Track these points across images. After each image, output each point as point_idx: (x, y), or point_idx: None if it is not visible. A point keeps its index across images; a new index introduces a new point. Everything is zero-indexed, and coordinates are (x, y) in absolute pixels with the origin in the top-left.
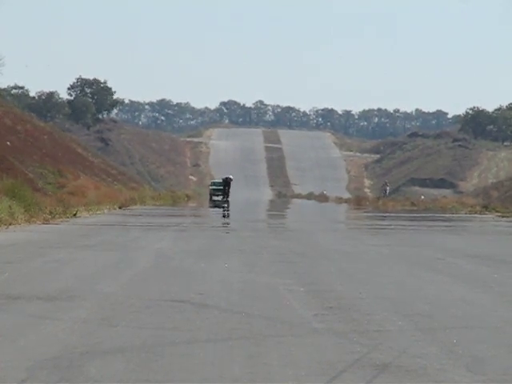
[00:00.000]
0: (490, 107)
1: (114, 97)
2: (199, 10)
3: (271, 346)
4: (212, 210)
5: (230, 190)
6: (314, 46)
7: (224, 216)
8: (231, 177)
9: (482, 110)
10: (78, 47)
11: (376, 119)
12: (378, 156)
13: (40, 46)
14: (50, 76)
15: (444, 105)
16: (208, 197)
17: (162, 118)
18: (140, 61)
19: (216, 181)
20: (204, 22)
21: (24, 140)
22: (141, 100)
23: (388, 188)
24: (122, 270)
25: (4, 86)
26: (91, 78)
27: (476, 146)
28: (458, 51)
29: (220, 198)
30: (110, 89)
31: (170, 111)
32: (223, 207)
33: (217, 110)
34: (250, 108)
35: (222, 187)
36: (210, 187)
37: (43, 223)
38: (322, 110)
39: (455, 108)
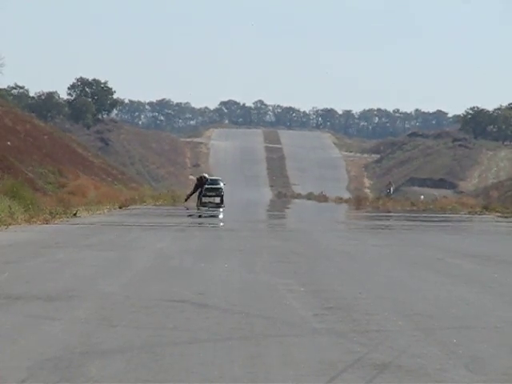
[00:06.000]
0: (490, 107)
1: (114, 97)
2: (199, 10)
3: (271, 346)
4: (210, 210)
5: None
6: (313, 46)
7: (223, 216)
8: (206, 175)
9: (482, 110)
10: (78, 47)
11: (376, 119)
12: (378, 156)
13: (40, 46)
14: (50, 76)
15: (444, 105)
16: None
17: (162, 118)
18: (140, 61)
19: (210, 178)
20: (204, 22)
21: (24, 140)
22: (141, 100)
23: (392, 188)
24: (122, 269)
25: (4, 86)
26: (91, 78)
27: (476, 145)
28: (458, 51)
29: (211, 199)
30: (110, 89)
31: (169, 111)
32: (220, 207)
33: (217, 110)
34: (250, 108)
35: (197, 187)
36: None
37: (43, 223)
38: (322, 110)
39: (455, 108)
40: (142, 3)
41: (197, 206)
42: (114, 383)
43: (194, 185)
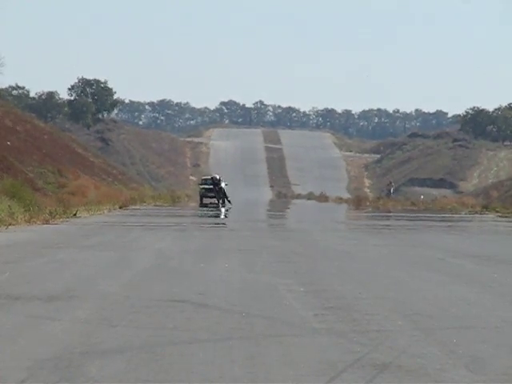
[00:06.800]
0: (489, 107)
1: (115, 97)
2: (199, 10)
3: (271, 346)
4: (210, 210)
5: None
6: (313, 46)
7: (223, 216)
8: (217, 176)
9: (482, 110)
10: (78, 47)
11: (376, 119)
12: (378, 156)
13: (40, 46)
14: (50, 76)
15: (444, 105)
16: (198, 199)
17: (162, 118)
18: (140, 61)
19: (208, 177)
20: (204, 22)
21: (24, 140)
22: (141, 100)
23: (393, 188)
24: (122, 270)
25: (4, 86)
26: (92, 78)
27: (476, 145)
28: (458, 51)
29: (212, 200)
30: (111, 89)
31: (169, 111)
32: (220, 208)
33: (217, 110)
34: (250, 108)
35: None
36: (201, 186)
37: (43, 223)
38: (322, 110)
39: (455, 108)
40: (142, 3)
41: (200, 206)
42: (114, 383)
43: (213, 188)
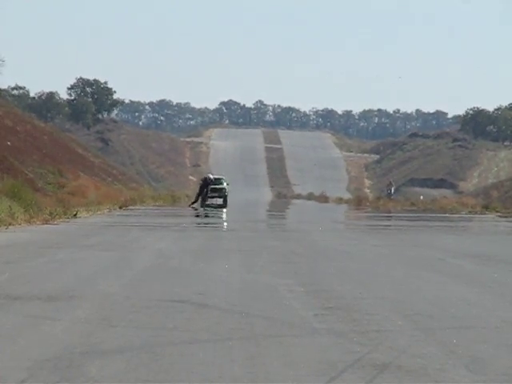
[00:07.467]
0: (490, 107)
1: (114, 97)
2: (199, 10)
3: (271, 346)
4: (210, 210)
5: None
6: (313, 46)
7: (224, 216)
8: (211, 176)
9: (482, 110)
10: (78, 47)
11: (376, 119)
12: (378, 156)
13: (40, 46)
14: (49, 76)
15: (444, 105)
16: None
17: (162, 118)
18: (140, 61)
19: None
20: (204, 23)
21: (24, 140)
22: (141, 100)
23: (393, 188)
24: (122, 270)
25: (4, 86)
26: (91, 78)
27: (476, 146)
28: (458, 51)
29: (214, 199)
30: (111, 89)
31: (169, 111)
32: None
33: (217, 110)
34: (250, 108)
35: (201, 188)
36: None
37: (43, 223)
38: (322, 110)
39: (455, 108)
40: (142, 3)
41: (201, 206)
42: (114, 383)
43: (199, 186)
